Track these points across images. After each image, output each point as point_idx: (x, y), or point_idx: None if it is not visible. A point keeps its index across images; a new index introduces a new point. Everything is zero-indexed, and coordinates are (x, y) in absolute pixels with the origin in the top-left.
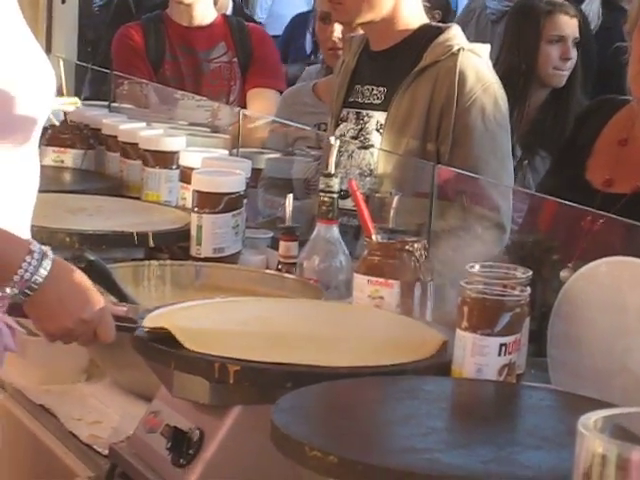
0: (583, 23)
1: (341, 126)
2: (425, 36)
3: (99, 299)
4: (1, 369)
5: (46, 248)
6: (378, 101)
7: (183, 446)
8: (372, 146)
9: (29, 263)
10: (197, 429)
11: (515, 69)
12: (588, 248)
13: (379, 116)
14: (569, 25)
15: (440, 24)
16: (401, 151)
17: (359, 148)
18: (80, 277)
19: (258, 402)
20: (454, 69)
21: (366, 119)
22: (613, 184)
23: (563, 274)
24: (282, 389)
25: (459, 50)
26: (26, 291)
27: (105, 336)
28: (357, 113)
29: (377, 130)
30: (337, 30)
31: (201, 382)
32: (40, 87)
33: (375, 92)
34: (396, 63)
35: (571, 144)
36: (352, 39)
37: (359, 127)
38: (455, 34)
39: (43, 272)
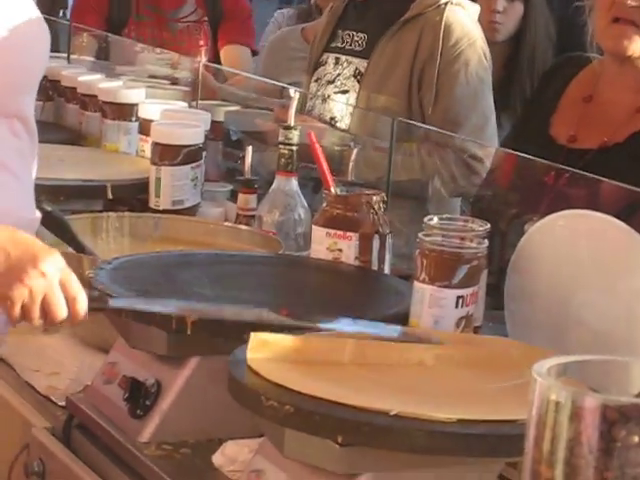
0: None
1: (319, 69)
2: None
3: (51, 252)
4: None
5: None
6: (359, 48)
7: (140, 397)
8: (347, 91)
9: None
10: (154, 380)
11: None
12: (553, 202)
13: (359, 63)
14: None
15: None
16: (380, 101)
17: (335, 93)
18: (22, 235)
19: (215, 353)
20: (440, 22)
21: (345, 64)
22: (577, 140)
23: (527, 227)
24: (239, 340)
25: (446, 3)
26: None
27: (74, 304)
28: (336, 58)
29: (355, 77)
30: None
31: (158, 333)
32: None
33: (356, 38)
34: (378, 11)
35: (536, 101)
36: None
37: (337, 72)
38: None
39: None
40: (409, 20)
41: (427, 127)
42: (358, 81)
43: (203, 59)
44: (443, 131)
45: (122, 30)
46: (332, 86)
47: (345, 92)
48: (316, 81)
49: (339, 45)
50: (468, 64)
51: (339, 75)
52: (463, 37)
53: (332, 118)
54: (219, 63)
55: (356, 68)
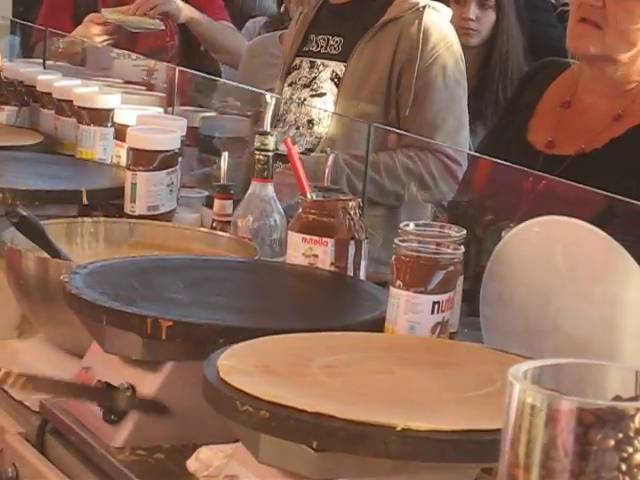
0: None
1: (293, 74)
2: None
3: None
4: None
5: None
6: (335, 51)
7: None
8: (324, 94)
9: None
10: (128, 385)
11: None
12: (530, 209)
13: (335, 66)
14: None
15: None
16: (359, 104)
17: (312, 96)
18: None
19: (190, 358)
20: (418, 26)
21: (321, 68)
22: (555, 146)
23: (505, 234)
24: (215, 345)
25: (424, 7)
26: None
27: None
28: (311, 62)
29: (332, 80)
30: None
31: (133, 338)
32: None
33: (331, 42)
34: (355, 16)
35: (514, 106)
36: None
37: (312, 76)
38: None
39: None
40: (387, 23)
41: (404, 133)
42: (336, 84)
43: (170, 55)
44: (421, 137)
45: None
46: (308, 89)
47: (322, 95)
48: (290, 85)
49: (313, 49)
50: (445, 67)
51: (315, 78)
52: (440, 41)
53: (309, 121)
54: (187, 60)
55: (333, 71)
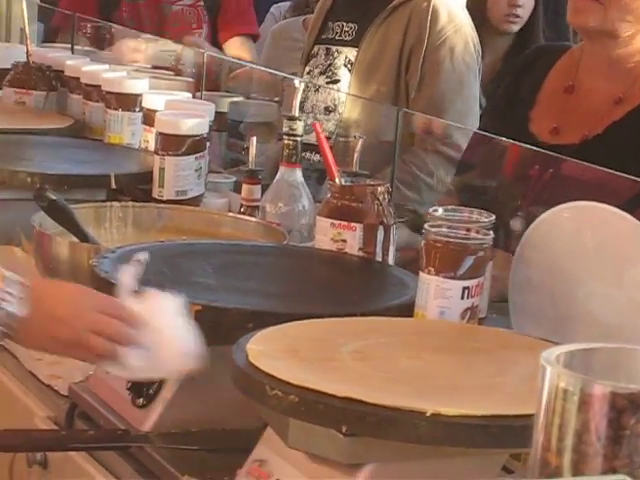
0: None
1: (311, 62)
2: None
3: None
4: None
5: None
6: (349, 37)
7: (143, 386)
8: (339, 81)
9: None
10: None
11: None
12: (539, 196)
13: (348, 52)
14: None
15: None
16: (371, 88)
17: (327, 83)
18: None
19: (219, 342)
20: (427, 8)
21: (335, 55)
22: (559, 133)
23: (513, 223)
24: (243, 329)
25: None
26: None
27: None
28: (327, 49)
29: (345, 66)
30: None
31: None
32: None
33: (346, 28)
34: (368, 1)
35: (512, 96)
36: None
37: (328, 63)
38: None
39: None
40: (397, 7)
41: (431, 117)
42: (349, 70)
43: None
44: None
45: (114, 12)
46: (324, 77)
47: (336, 82)
48: (308, 73)
49: (329, 36)
50: (453, 50)
51: (330, 65)
52: (449, 23)
53: (326, 108)
54: (215, 47)
55: (346, 57)
